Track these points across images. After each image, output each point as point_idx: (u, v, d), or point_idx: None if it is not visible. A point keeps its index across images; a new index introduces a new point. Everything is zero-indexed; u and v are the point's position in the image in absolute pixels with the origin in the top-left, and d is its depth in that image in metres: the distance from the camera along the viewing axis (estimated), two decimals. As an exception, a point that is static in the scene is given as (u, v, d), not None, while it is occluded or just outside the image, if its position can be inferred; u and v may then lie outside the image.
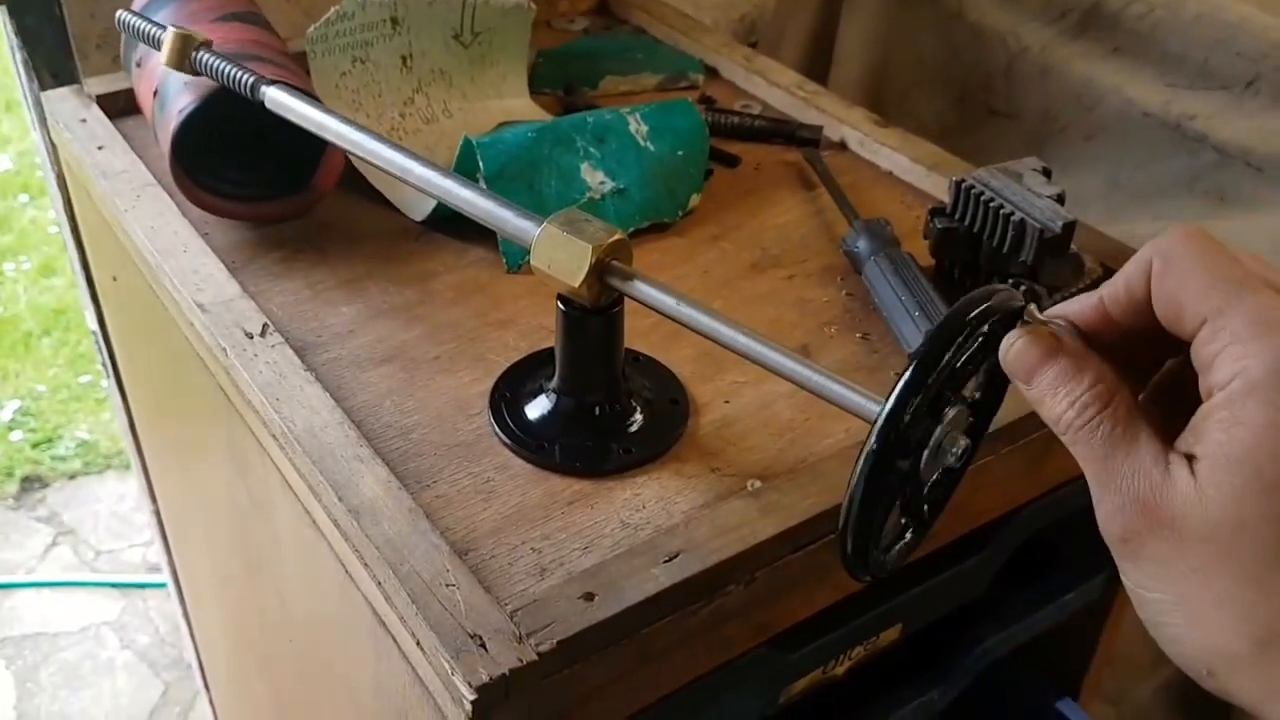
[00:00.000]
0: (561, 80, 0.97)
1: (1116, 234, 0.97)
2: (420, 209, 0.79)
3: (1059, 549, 0.83)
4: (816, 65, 1.39)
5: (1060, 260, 0.70)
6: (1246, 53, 0.98)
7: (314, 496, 0.58)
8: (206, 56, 0.71)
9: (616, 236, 0.58)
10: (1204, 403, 0.38)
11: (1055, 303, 0.73)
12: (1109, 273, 0.75)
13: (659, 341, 0.69)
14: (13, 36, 0.99)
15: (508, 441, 0.62)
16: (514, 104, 0.92)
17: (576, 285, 0.57)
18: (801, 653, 0.64)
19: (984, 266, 0.72)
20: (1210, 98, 1.00)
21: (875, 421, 0.44)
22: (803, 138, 0.90)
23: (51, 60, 0.99)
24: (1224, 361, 0.37)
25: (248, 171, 0.78)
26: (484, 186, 0.68)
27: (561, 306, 0.60)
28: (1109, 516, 0.39)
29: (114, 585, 2.00)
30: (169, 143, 0.74)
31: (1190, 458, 0.37)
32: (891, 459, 0.45)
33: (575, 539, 0.56)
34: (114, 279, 0.92)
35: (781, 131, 0.91)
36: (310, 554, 0.63)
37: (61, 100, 0.89)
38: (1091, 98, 1.07)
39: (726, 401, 0.66)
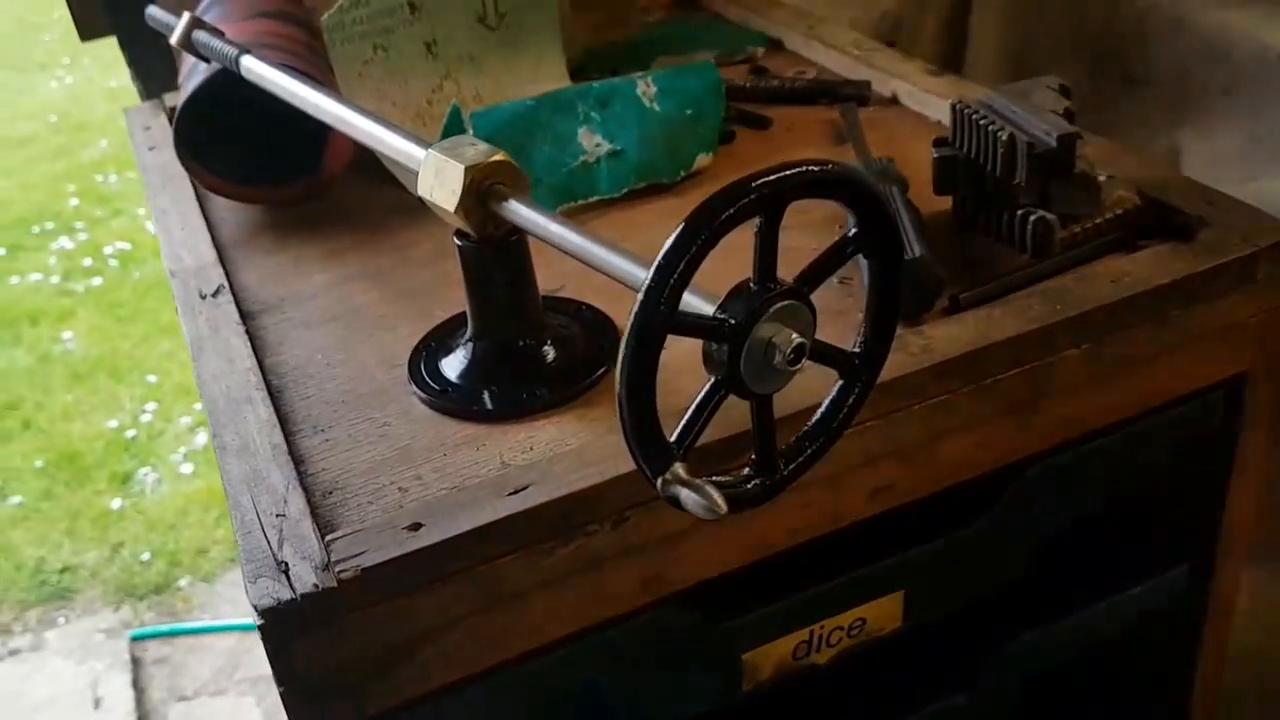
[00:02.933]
0: (610, 66, 0.94)
1: (1253, 192, 0.84)
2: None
3: (1134, 534, 0.71)
4: (956, 53, 1.30)
5: (1066, 182, 0.60)
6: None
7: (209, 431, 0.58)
8: (201, 35, 0.73)
9: (498, 157, 0.54)
10: None
11: (1076, 235, 0.62)
12: (1151, 203, 0.65)
13: (621, 292, 0.64)
14: (128, 66, 1.07)
15: (415, 389, 0.59)
16: (551, 88, 0.90)
17: (453, 209, 0.54)
18: (739, 622, 0.57)
19: (991, 196, 0.63)
20: (1359, 27, 0.85)
21: (641, 288, 0.40)
22: (846, 95, 0.83)
23: (170, 80, 1.06)
24: None
25: (267, 159, 0.80)
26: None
27: (457, 241, 0.57)
28: None
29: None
30: (174, 125, 0.76)
31: None
32: (660, 329, 0.40)
33: (448, 478, 0.52)
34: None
35: (825, 91, 0.84)
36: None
37: (139, 112, 0.95)
38: (1224, 47, 0.94)
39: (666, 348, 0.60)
